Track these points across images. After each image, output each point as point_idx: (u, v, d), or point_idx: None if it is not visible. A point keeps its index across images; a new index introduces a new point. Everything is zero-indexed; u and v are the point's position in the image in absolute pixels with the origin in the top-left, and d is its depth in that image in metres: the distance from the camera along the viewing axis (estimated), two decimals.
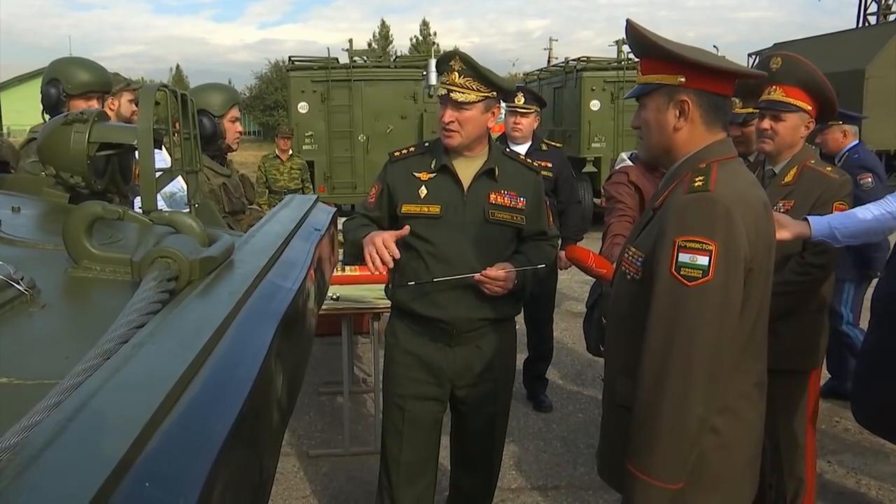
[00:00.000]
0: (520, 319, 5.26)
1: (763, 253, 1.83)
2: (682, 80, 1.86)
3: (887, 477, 4.01)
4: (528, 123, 4.84)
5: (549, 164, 4.85)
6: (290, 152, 9.00)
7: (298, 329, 1.11)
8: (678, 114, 1.88)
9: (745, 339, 1.82)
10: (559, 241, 3.14)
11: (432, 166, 2.77)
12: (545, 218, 2.94)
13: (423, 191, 2.72)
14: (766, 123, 2.96)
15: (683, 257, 1.74)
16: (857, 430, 4.47)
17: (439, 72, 2.76)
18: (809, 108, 2.90)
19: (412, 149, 2.91)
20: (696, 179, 1.81)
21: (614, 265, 2.96)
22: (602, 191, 3.89)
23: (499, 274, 2.65)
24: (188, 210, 2.12)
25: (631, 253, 1.96)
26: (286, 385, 0.96)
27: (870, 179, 4.81)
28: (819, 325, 3.02)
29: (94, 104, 3.31)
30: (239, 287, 0.96)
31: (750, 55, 17.69)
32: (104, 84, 3.42)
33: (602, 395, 2.23)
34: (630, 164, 3.80)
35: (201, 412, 0.62)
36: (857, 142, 5.14)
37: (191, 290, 0.93)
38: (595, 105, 12.68)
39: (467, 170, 2.78)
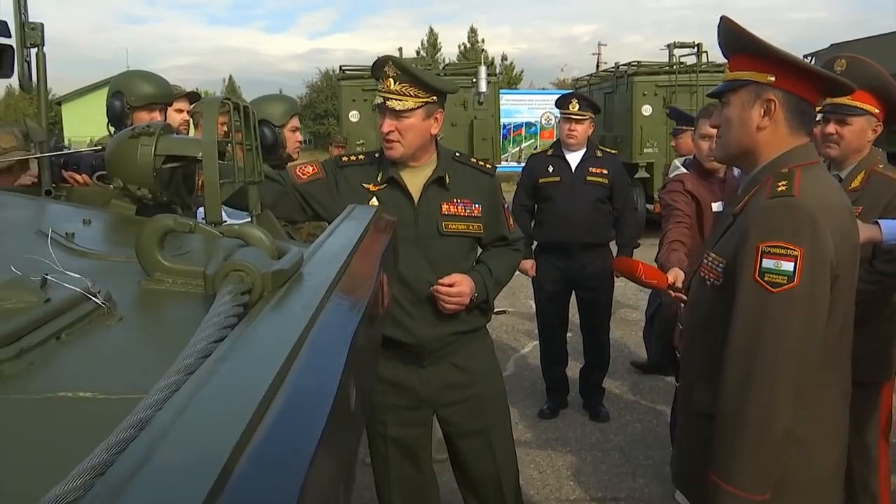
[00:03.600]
0: (575, 327, 5.25)
1: (849, 260, 1.81)
2: (772, 78, 1.85)
3: None
4: (582, 130, 4.80)
5: (605, 171, 4.81)
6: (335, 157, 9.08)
7: (368, 341, 1.11)
8: (763, 112, 1.87)
9: (831, 346, 1.80)
10: (522, 244, 3.04)
11: (379, 179, 2.66)
12: (504, 222, 2.82)
13: (374, 202, 2.58)
14: (832, 128, 2.88)
15: (767, 263, 1.72)
16: None
17: (376, 77, 2.63)
18: (876, 111, 2.81)
19: (361, 157, 2.78)
20: (780, 184, 1.80)
21: (672, 273, 2.93)
22: (658, 199, 3.84)
23: (450, 290, 2.56)
24: (250, 220, 2.14)
25: (711, 259, 1.94)
26: (360, 398, 0.95)
27: None
28: (891, 334, 2.92)
29: (157, 116, 3.38)
30: (311, 301, 0.95)
31: (806, 56, 17.31)
32: (166, 96, 3.49)
33: (677, 402, 2.21)
34: (684, 171, 3.75)
35: (288, 429, 0.62)
36: None
37: (264, 304, 0.93)
38: (647, 110, 12.57)
39: (416, 180, 2.67)
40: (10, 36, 2.55)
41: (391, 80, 2.56)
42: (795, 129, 1.89)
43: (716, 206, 3.56)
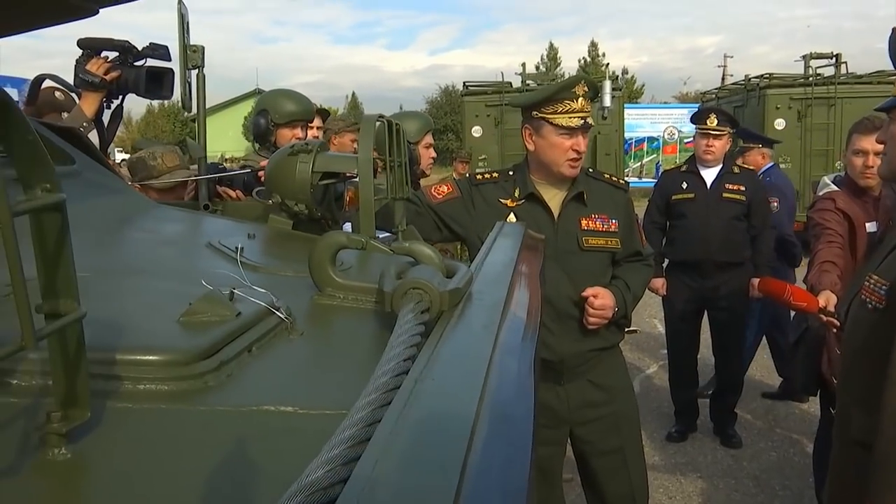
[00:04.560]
0: (707, 350, 5.07)
1: None
2: None
3: None
4: (720, 146, 4.64)
5: (742, 188, 4.64)
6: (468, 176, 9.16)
7: (538, 360, 1.10)
8: None
9: None
10: (653, 259, 2.99)
11: (517, 195, 2.65)
12: (638, 237, 2.79)
13: (512, 219, 2.57)
14: None
15: None
16: None
17: (556, 100, 2.59)
18: None
19: (495, 174, 2.79)
20: None
21: (823, 296, 2.78)
22: (807, 218, 3.67)
23: (594, 302, 2.55)
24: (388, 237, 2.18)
25: (873, 281, 1.85)
26: (537, 417, 0.94)
27: (776, 204, 5.19)
28: None
29: (299, 132, 3.50)
30: (490, 320, 0.95)
31: None
32: (307, 113, 3.61)
33: (822, 431, 2.12)
34: (835, 188, 3.56)
35: (501, 452, 0.61)
36: (772, 164, 5.83)
37: (445, 323, 0.93)
38: (780, 124, 12.05)
39: (555, 197, 2.66)
40: (170, 59, 2.71)
41: (581, 98, 2.58)
42: None
43: (870, 227, 3.36)
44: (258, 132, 3.55)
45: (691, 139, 6.33)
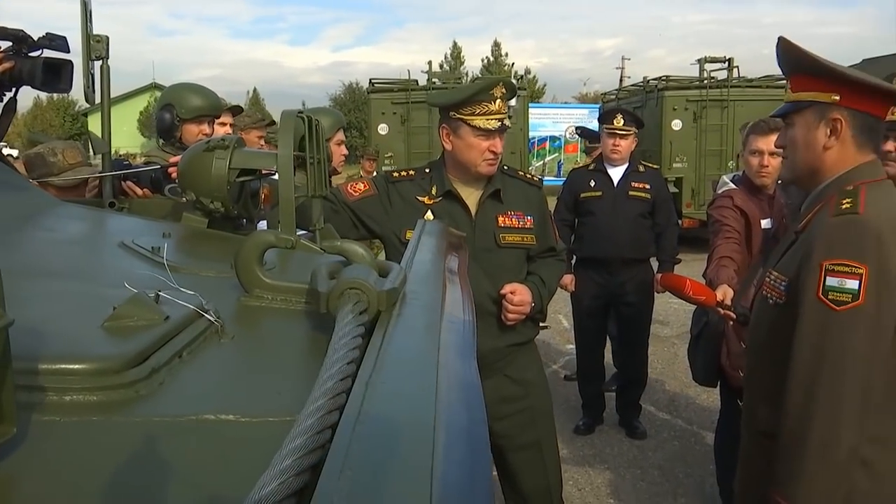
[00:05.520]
0: (612, 343, 5.17)
1: None
2: (837, 98, 1.83)
3: None
4: (626, 145, 4.77)
5: (647, 186, 4.78)
6: (375, 174, 9.11)
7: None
8: (829, 132, 1.85)
9: None
10: (565, 255, 3.08)
11: (434, 192, 2.66)
12: (552, 233, 2.85)
13: (430, 216, 2.58)
14: (891, 145, 2.84)
15: (831, 281, 1.71)
16: None
17: (474, 101, 2.59)
18: None
19: (411, 172, 2.79)
20: (844, 202, 1.78)
21: (721, 290, 2.89)
22: (707, 215, 3.81)
23: (513, 298, 2.59)
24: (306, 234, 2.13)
25: (773, 277, 1.93)
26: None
27: None
28: None
29: (206, 128, 3.39)
30: (431, 320, 0.94)
31: None
32: (215, 108, 3.50)
33: (741, 421, 2.19)
34: (733, 187, 3.71)
35: (465, 456, 0.60)
36: None
37: (385, 324, 0.91)
38: (676, 125, 12.46)
39: (472, 194, 2.69)
40: (69, 51, 2.57)
41: (499, 100, 2.58)
42: (862, 146, 1.88)
43: (765, 223, 3.51)
44: (162, 127, 3.42)
45: None
